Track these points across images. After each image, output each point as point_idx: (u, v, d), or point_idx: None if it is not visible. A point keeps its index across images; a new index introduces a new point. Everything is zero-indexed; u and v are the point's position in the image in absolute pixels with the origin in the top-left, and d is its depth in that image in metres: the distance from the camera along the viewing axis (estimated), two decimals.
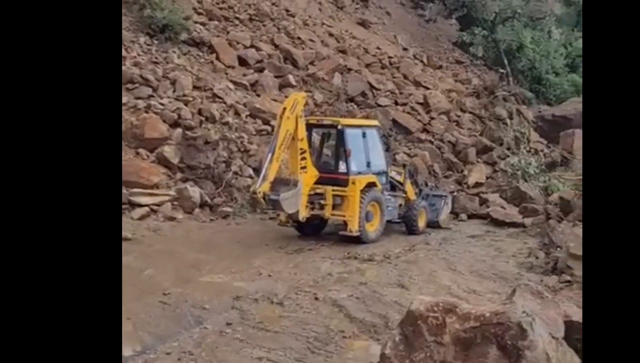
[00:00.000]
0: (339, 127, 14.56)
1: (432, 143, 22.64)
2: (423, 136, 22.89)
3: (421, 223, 16.01)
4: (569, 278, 11.87)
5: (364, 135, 15.01)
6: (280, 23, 25.41)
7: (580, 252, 12.16)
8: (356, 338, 8.73)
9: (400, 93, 25.22)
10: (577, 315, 8.82)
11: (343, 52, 26.19)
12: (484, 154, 23.53)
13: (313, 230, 14.59)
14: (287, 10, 26.84)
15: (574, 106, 30.94)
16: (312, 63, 23.92)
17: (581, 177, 19.49)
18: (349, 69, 24.71)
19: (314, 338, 8.47)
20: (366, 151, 14.93)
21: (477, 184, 20.92)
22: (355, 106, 22.96)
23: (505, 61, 34.35)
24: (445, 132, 24.01)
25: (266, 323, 8.97)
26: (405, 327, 7.27)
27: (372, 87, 24.56)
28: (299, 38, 24.94)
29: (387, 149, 16.97)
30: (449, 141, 23.49)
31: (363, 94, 23.82)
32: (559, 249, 13.26)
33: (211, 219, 15.26)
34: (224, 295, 9.93)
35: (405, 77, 26.80)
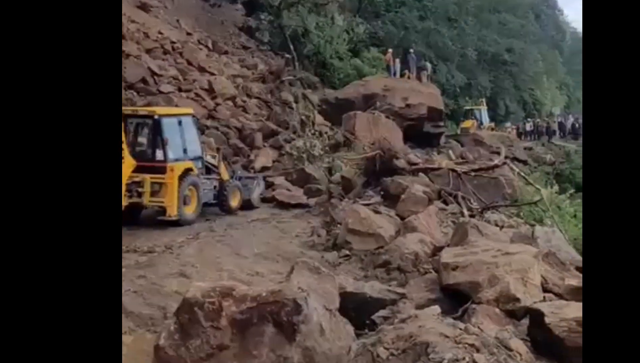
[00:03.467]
0: (156, 117, 14.81)
1: (217, 129, 22.49)
2: (208, 123, 22.66)
3: (234, 202, 16.68)
4: (347, 252, 12.39)
5: (179, 123, 15.39)
6: None
7: (357, 227, 12.76)
8: (132, 333, 8.39)
9: (184, 79, 24.81)
10: (351, 286, 9.21)
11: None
12: (271, 138, 23.90)
13: (129, 217, 14.27)
14: None
15: (355, 89, 32.45)
16: None
17: (362, 156, 20.60)
18: (128, 55, 23.76)
19: None
20: (182, 139, 15.35)
21: (264, 169, 21.16)
22: (135, 94, 22.15)
23: (291, 46, 35.13)
24: (231, 118, 24.03)
25: None
26: (181, 315, 7.08)
27: (153, 73, 23.86)
28: None
29: (203, 133, 17.66)
30: (235, 127, 23.56)
31: (143, 80, 23.06)
32: (339, 226, 13.75)
33: None
34: None
35: (189, 62, 26.40)
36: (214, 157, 16.94)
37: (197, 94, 24.02)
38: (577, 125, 55.83)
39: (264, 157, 21.95)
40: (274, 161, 22.20)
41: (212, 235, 13.80)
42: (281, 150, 23.19)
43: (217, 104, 24.29)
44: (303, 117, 26.42)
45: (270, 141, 23.63)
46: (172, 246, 12.25)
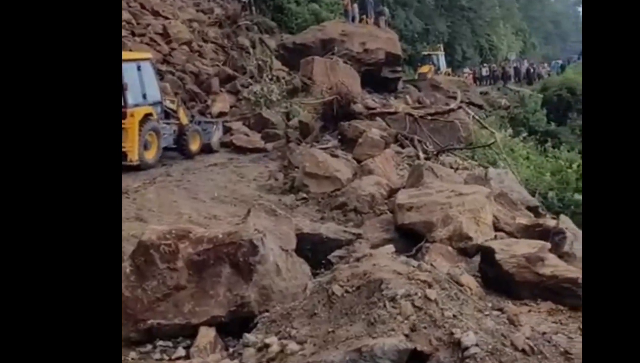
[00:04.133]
0: None
1: (173, 74, 22.11)
2: (164, 68, 22.21)
3: (194, 146, 16.75)
4: (304, 195, 12.51)
5: (138, 68, 15.21)
6: None
7: (314, 170, 12.84)
8: None
9: (138, 23, 24.15)
10: (308, 227, 9.34)
11: None
12: (228, 83, 23.61)
13: None
14: None
15: (313, 34, 32.10)
16: None
17: (320, 100, 20.59)
18: None
19: None
20: (141, 84, 15.24)
21: (221, 114, 20.95)
22: None
23: None
24: (187, 63, 23.62)
25: None
26: (137, 257, 7.13)
27: None
28: None
29: (162, 79, 17.52)
30: (191, 72, 23.16)
31: None
32: (296, 169, 13.82)
33: None
34: None
35: (142, 6, 25.69)
36: (172, 102, 16.89)
37: (151, 39, 23.43)
38: (532, 70, 56.53)
39: (221, 102, 21.71)
40: (231, 107, 21.97)
41: (168, 179, 13.73)
42: (238, 95, 22.95)
43: (173, 49, 23.77)
44: (260, 62, 26.11)
45: (227, 86, 23.31)
46: (128, 190, 12.16)
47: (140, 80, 15.23)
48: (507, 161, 16.60)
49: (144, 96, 15.24)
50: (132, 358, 6.41)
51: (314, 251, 8.85)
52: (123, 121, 14.26)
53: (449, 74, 46.31)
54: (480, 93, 43.09)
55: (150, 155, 15.08)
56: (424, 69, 43.59)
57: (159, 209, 11.00)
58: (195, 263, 7.08)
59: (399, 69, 36.98)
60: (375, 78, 32.23)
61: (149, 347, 6.62)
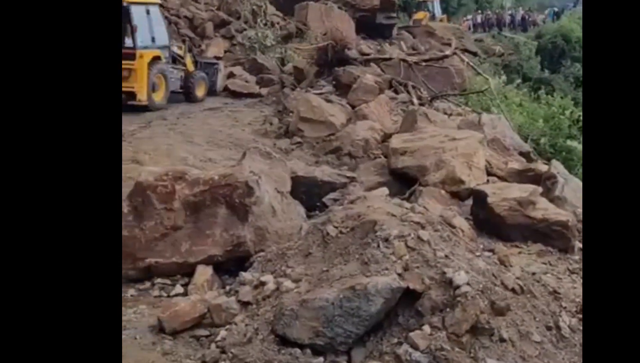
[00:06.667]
0: (125, 4, 14.95)
1: (167, 18, 21.85)
2: None
3: (200, 92, 17.19)
4: (299, 139, 12.57)
5: (147, 12, 15.72)
6: None
7: (309, 115, 12.88)
8: None
9: None
10: (302, 170, 9.43)
11: None
12: (222, 28, 23.44)
13: None
14: None
15: None
16: None
17: (315, 46, 20.44)
18: None
19: None
20: (150, 27, 15.74)
21: (216, 59, 20.80)
22: None
23: None
24: (181, 7, 23.38)
25: None
26: (134, 198, 7.23)
27: None
28: None
29: (170, 24, 18.05)
30: (185, 17, 22.97)
31: None
32: (291, 114, 13.84)
33: None
34: None
35: None
36: (180, 48, 17.40)
37: None
38: (527, 17, 55.95)
39: (216, 47, 21.61)
40: (225, 52, 21.88)
41: (164, 123, 13.76)
42: (232, 40, 22.84)
43: None
44: (254, 7, 25.77)
45: (221, 31, 23.16)
46: (124, 133, 12.17)
47: (149, 23, 15.71)
48: (500, 107, 16.63)
49: (153, 39, 15.72)
50: (132, 295, 6.56)
51: (309, 193, 8.95)
52: (132, 62, 14.85)
53: (443, 21, 45.84)
54: (475, 40, 42.72)
55: (158, 97, 15.61)
56: (419, 15, 43.14)
57: (155, 152, 11.05)
58: (192, 204, 7.19)
59: (394, 15, 36.58)
60: (370, 24, 31.92)
61: (148, 284, 6.78)
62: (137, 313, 6.20)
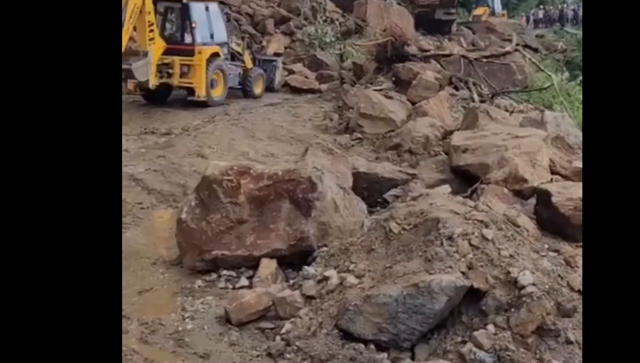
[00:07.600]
0: (184, 1, 15.46)
1: (228, 15, 22.16)
2: None
3: (258, 89, 17.29)
4: (359, 135, 12.62)
5: (207, 9, 15.95)
6: None
7: (369, 111, 12.91)
8: (154, 208, 8.71)
9: None
10: (363, 166, 9.47)
11: None
12: (282, 24, 23.59)
13: (159, 97, 15.39)
14: None
15: None
16: None
17: (374, 42, 20.42)
18: None
19: None
20: (209, 24, 15.97)
21: (276, 55, 20.95)
22: None
23: None
24: (243, 4, 23.63)
25: None
26: (201, 191, 7.39)
27: None
28: None
29: (229, 20, 18.14)
30: (247, 13, 23.21)
31: None
32: (351, 110, 13.88)
33: None
34: None
35: None
36: (238, 45, 17.59)
37: None
38: None
39: (276, 43, 21.72)
40: (285, 48, 22.01)
41: (226, 118, 13.99)
42: (292, 37, 22.97)
43: None
44: (314, 4, 25.86)
45: (281, 27, 23.34)
46: (189, 128, 12.48)
47: (208, 20, 15.92)
48: (563, 104, 16.31)
49: (212, 36, 15.90)
50: (199, 286, 6.73)
51: (370, 189, 9.00)
52: (191, 58, 15.17)
53: (504, 16, 45.13)
54: (536, 36, 41.93)
55: (217, 93, 15.76)
56: (479, 11, 42.52)
57: (218, 146, 11.26)
58: (256, 198, 7.30)
59: (453, 11, 36.21)
60: (429, 20, 31.74)
61: (214, 276, 6.93)
62: (204, 304, 6.37)
